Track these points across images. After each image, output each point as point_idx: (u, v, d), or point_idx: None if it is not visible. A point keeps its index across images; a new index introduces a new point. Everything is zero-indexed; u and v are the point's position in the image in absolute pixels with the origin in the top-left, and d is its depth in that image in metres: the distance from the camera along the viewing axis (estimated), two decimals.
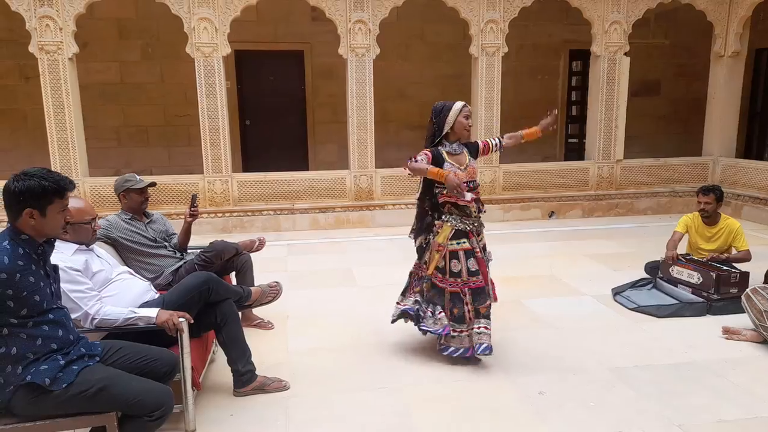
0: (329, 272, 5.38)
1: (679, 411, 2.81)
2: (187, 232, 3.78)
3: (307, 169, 8.94)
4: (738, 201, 7.71)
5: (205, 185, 7.03)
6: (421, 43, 9.58)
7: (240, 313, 3.86)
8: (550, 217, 7.84)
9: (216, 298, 2.86)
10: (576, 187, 7.98)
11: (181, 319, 2.52)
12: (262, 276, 4.90)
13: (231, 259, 3.78)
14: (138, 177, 3.62)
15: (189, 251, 3.83)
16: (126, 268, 2.99)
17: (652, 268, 4.83)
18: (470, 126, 3.38)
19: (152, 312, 2.54)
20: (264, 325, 3.94)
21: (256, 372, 3.02)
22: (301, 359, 3.45)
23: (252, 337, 3.72)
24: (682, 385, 3.07)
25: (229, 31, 6.79)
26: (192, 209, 3.71)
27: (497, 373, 3.24)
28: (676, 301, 4.25)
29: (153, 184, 3.68)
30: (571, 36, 9.57)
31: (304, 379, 3.18)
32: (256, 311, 3.98)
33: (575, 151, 10.23)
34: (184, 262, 3.62)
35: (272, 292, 3.30)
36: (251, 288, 3.29)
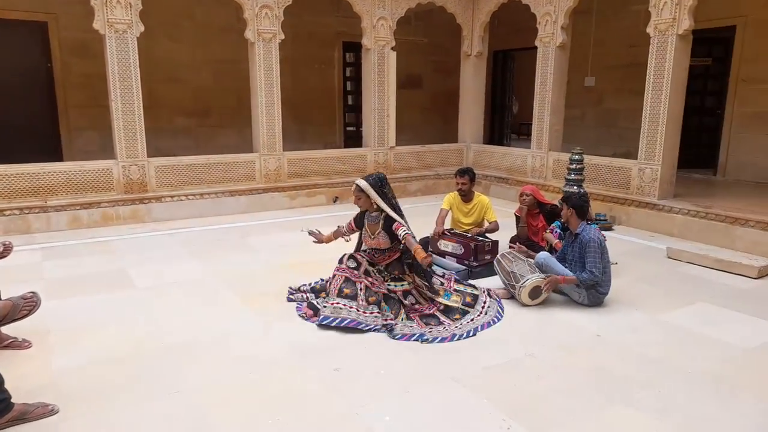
0: (98, 276, 4.77)
1: (451, 365, 3.20)
2: None
3: (61, 160, 7.77)
4: (486, 180, 9.01)
5: None
6: (191, 24, 9.03)
7: None
8: (334, 202, 8.14)
9: None
10: (356, 172, 8.38)
11: None
12: (12, 288, 4.16)
13: None
14: None
15: None
16: None
17: (423, 243, 5.36)
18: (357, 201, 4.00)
19: None
20: (18, 344, 3.33)
21: (13, 400, 2.55)
22: (70, 378, 3.01)
23: (5, 359, 3.16)
24: (454, 344, 3.49)
25: None
26: None
27: (295, 359, 3.27)
28: (444, 271, 4.80)
29: None
30: (343, 28, 10.00)
31: (76, 399, 2.79)
32: (5, 329, 3.34)
33: (353, 138, 10.78)
34: None
35: (27, 305, 2.79)
36: None
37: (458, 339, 3.60)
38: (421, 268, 3.96)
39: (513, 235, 5.37)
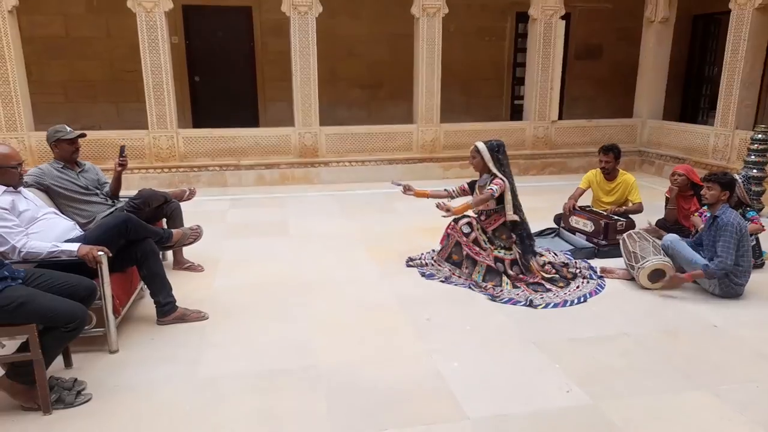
0: (265, 224, 5.73)
1: (538, 332, 3.30)
2: (117, 181, 4.05)
3: (258, 126, 9.14)
4: (660, 160, 8.28)
5: (151, 141, 7.22)
6: (371, 1, 9.71)
7: (173, 257, 4.24)
8: None
9: (135, 236, 3.19)
10: (513, 146, 8.36)
11: (100, 253, 2.85)
12: (202, 225, 5.26)
13: (160, 207, 4.09)
14: (68, 128, 3.85)
15: (121, 199, 4.11)
16: (52, 209, 3.28)
17: (557, 219, 5.33)
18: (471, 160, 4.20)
19: (74, 246, 2.87)
20: (195, 267, 4.29)
21: (177, 304, 3.39)
22: (223, 295, 3.83)
23: (182, 277, 4.11)
24: (549, 314, 3.57)
25: None
26: (121, 159, 3.96)
27: (396, 306, 3.69)
28: (571, 246, 4.76)
29: (83, 135, 3.92)
30: None
31: (223, 311, 3.57)
32: (188, 255, 4.33)
33: (520, 112, 10.62)
34: (115, 209, 3.91)
35: (193, 235, 3.64)
36: (172, 230, 3.62)
37: (570, 305, 3.66)
38: (521, 239, 4.05)
39: (659, 218, 5.03)
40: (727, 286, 3.73)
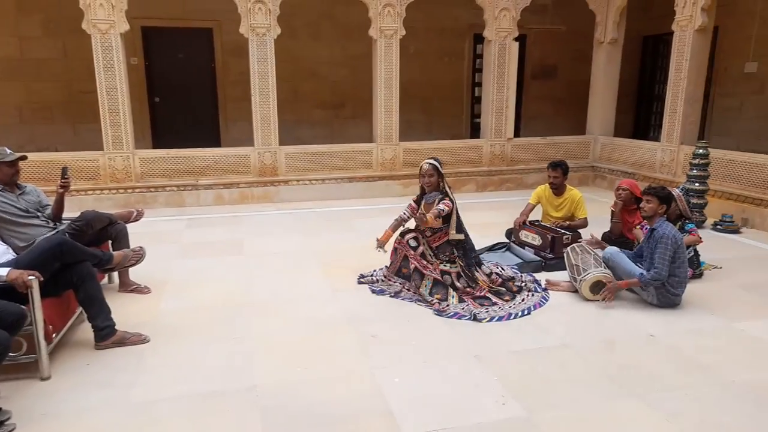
0: (220, 243, 5.68)
1: (481, 345, 3.34)
2: (59, 203, 3.98)
3: (220, 146, 9.10)
4: (612, 175, 8.52)
5: (106, 161, 7.12)
6: (331, 24, 9.83)
7: (119, 279, 4.17)
8: None
9: (71, 259, 3.13)
10: (471, 163, 8.57)
11: (30, 277, 2.79)
12: (155, 246, 5.18)
13: (105, 229, 4.03)
14: (8, 150, 3.78)
15: (64, 221, 4.03)
16: None
17: (509, 233, 5.43)
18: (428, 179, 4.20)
19: (3, 271, 2.81)
20: (141, 290, 4.22)
21: (117, 328, 3.33)
22: (168, 317, 3.78)
23: (127, 300, 4.05)
24: (493, 327, 3.62)
25: (128, 8, 6.84)
26: (63, 180, 3.90)
27: (344, 323, 3.69)
28: (520, 260, 4.85)
29: (24, 158, 3.85)
30: (475, 20, 10.06)
31: (166, 333, 3.51)
32: (136, 277, 4.27)
33: (479, 130, 10.82)
34: (57, 231, 3.84)
35: (135, 256, 3.60)
36: (113, 252, 3.56)
37: (514, 318, 3.72)
38: (464, 252, 4.12)
39: (605, 231, 5.16)
40: (664, 296, 3.84)
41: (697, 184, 6.04)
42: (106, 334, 3.27)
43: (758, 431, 2.52)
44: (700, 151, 6.07)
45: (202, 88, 9.57)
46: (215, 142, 9.41)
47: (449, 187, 4.20)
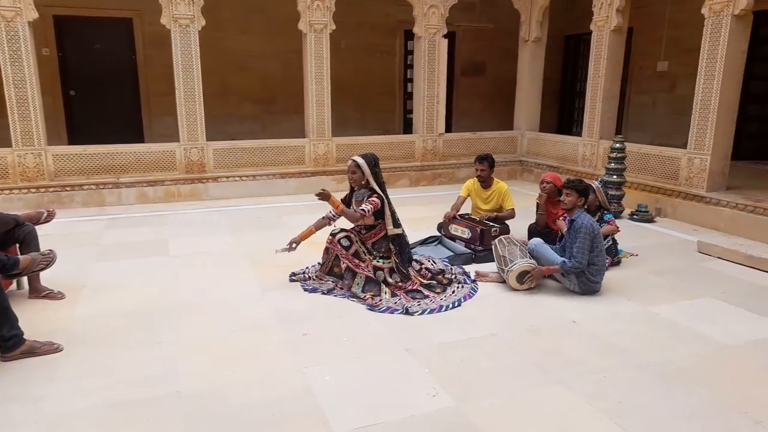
0: (144, 244, 5.42)
1: (412, 339, 3.37)
2: None
3: (143, 142, 8.68)
4: (539, 169, 8.84)
5: (15, 159, 6.62)
6: (260, 17, 9.60)
7: (29, 285, 3.89)
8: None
9: None
10: (404, 158, 8.63)
11: None
12: (71, 250, 4.87)
13: (11, 231, 3.74)
14: None
15: None
16: None
17: (440, 227, 5.51)
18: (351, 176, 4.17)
19: None
20: (53, 295, 3.95)
21: (26, 337, 3.10)
22: (83, 324, 3.55)
23: (38, 306, 3.79)
24: (424, 320, 3.65)
25: None
26: None
27: (273, 323, 3.61)
28: (451, 253, 4.93)
29: None
30: (405, 17, 10.11)
31: (81, 341, 3.30)
32: (45, 282, 3.99)
33: (412, 125, 10.93)
34: None
35: (45, 260, 3.36)
36: (19, 257, 3.31)
37: (445, 310, 3.77)
38: (400, 248, 4.14)
39: (531, 222, 5.34)
40: (585, 283, 4.02)
41: (614, 177, 6.37)
42: (13, 345, 3.03)
43: (671, 409, 2.67)
44: (617, 145, 6.39)
45: (123, 81, 9.11)
46: (138, 139, 8.95)
47: (383, 183, 4.18)
